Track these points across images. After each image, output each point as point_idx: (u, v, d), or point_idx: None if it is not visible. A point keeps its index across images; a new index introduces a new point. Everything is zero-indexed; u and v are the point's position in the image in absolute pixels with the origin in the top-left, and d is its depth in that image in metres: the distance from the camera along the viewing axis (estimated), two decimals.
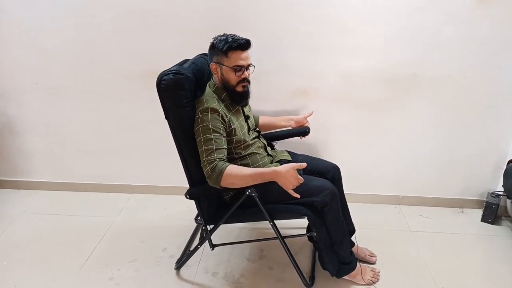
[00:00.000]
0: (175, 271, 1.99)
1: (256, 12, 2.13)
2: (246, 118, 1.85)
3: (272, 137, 2.15)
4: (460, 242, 2.21)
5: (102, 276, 1.95)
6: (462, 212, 2.50)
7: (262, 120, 2.13)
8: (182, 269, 2.00)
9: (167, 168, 2.55)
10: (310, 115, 2.14)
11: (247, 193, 1.65)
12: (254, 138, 1.87)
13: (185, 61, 1.83)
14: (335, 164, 2.00)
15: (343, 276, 1.86)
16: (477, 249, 2.16)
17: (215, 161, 1.59)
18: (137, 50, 2.28)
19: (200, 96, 1.72)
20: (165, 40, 2.24)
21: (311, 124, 2.15)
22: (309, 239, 2.00)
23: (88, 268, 2.01)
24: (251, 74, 1.75)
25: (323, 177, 1.87)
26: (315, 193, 1.69)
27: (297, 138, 2.15)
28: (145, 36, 2.24)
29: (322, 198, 1.67)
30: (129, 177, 2.68)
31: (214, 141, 1.62)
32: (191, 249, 1.96)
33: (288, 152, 2.05)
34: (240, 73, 1.69)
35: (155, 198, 2.65)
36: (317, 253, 1.90)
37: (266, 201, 1.71)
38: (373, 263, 2.03)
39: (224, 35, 1.69)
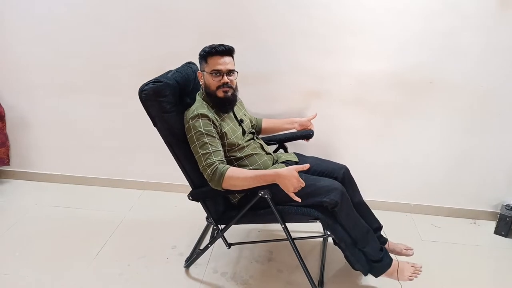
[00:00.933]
0: (184, 269, 1.99)
1: (272, 13, 2.13)
2: (240, 122, 1.87)
3: (276, 140, 2.17)
4: (472, 253, 2.18)
5: (112, 271, 1.96)
6: (475, 223, 2.47)
7: (266, 123, 2.15)
8: (191, 268, 2.00)
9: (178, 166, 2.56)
10: (314, 117, 2.13)
11: (260, 194, 1.65)
12: (249, 140, 1.88)
13: (169, 71, 1.88)
14: (343, 165, 1.98)
15: (379, 275, 1.79)
16: (489, 261, 2.13)
17: (214, 163, 1.61)
18: (150, 49, 2.30)
19: (191, 104, 1.76)
20: (179, 39, 2.25)
21: (323, 126, 2.14)
22: (334, 243, 1.98)
23: (98, 263, 2.02)
24: (235, 79, 1.79)
25: (332, 178, 1.85)
26: (323, 193, 1.68)
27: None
28: (158, 35, 2.26)
29: (331, 198, 1.66)
30: (140, 174, 2.70)
31: (210, 144, 1.64)
32: (201, 248, 1.97)
33: (297, 154, 2.06)
34: (218, 77, 1.72)
35: (166, 195, 2.66)
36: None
37: (277, 202, 1.71)
38: (410, 256, 1.98)
39: (211, 44, 1.74)
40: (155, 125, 1.73)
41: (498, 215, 2.33)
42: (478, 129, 2.27)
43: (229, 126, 1.78)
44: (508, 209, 2.30)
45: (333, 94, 2.29)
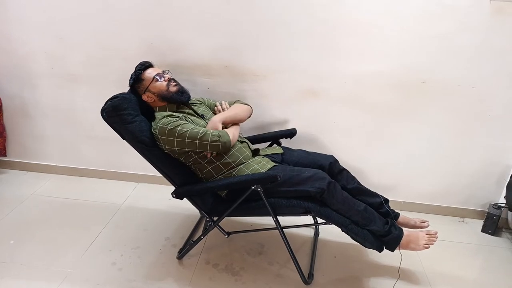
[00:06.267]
0: (177, 260, 2.03)
1: (271, 11, 2.15)
2: (201, 116, 1.97)
3: (259, 140, 2.23)
4: (459, 251, 2.23)
5: (105, 260, 2.00)
6: (463, 221, 2.51)
7: None
8: (184, 259, 2.04)
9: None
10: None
11: (253, 188, 1.69)
12: None
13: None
14: (330, 155, 2.03)
15: (394, 248, 1.81)
16: (476, 259, 2.18)
17: (207, 131, 1.76)
18: (152, 41, 2.31)
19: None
20: (179, 32, 2.27)
21: (317, 125, 2.17)
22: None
23: (92, 252, 2.05)
24: (172, 76, 1.95)
25: (320, 169, 1.88)
26: (308, 183, 1.74)
27: (299, 137, 2.19)
28: (161, 27, 2.27)
29: (316, 187, 1.71)
30: (136, 167, 2.73)
31: (187, 124, 1.77)
32: (194, 239, 2.00)
33: (283, 147, 2.13)
34: (162, 79, 1.89)
35: (160, 188, 2.69)
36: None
37: (269, 195, 1.76)
38: (426, 227, 1.99)
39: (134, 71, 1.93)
40: (123, 138, 1.83)
41: (486, 214, 2.38)
42: (469, 130, 2.31)
43: (190, 120, 1.88)
44: (495, 208, 2.35)
45: (328, 93, 2.31)
